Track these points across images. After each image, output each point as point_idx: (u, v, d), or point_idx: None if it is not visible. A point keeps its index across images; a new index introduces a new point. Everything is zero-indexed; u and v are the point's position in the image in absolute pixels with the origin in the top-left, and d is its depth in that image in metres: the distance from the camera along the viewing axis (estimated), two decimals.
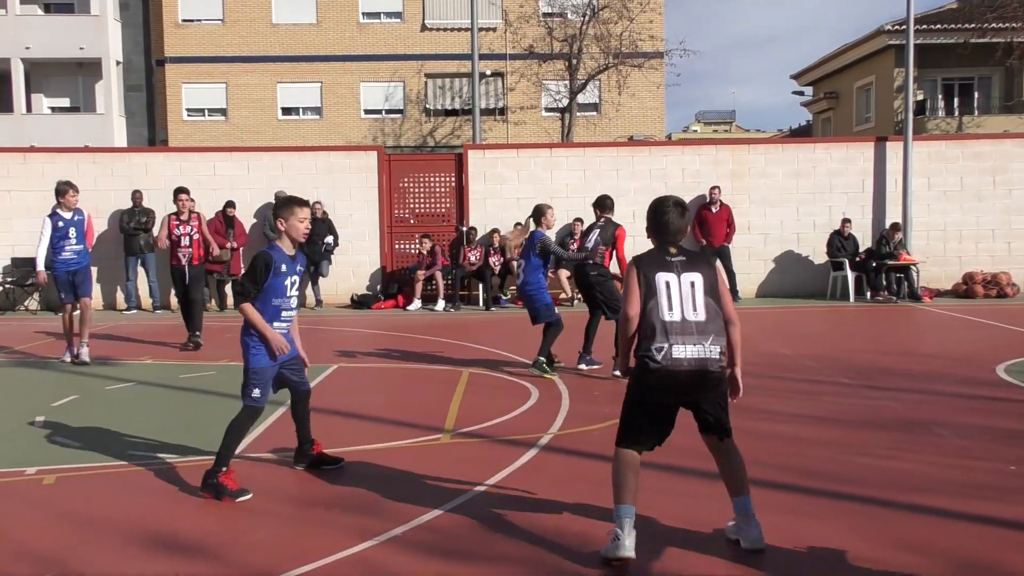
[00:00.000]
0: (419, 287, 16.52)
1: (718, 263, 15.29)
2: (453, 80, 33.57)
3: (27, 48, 32.41)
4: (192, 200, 11.76)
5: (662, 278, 4.61)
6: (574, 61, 29.75)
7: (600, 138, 31.19)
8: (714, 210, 17.06)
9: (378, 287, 17.12)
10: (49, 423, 7.59)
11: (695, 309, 4.58)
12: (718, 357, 4.57)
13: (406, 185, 17.41)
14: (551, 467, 6.08)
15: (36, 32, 32.58)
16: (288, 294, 5.68)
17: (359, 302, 16.71)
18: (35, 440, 7.02)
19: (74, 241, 10.69)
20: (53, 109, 34.33)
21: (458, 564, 4.44)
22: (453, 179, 17.46)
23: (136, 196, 16.39)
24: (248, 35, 32.94)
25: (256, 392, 5.61)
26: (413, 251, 17.16)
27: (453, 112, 33.74)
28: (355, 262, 17.16)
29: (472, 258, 16.71)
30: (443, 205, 17.53)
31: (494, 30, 32.59)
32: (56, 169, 16.91)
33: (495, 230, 16.80)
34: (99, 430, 7.28)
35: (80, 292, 10.71)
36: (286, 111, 33.43)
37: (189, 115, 33.26)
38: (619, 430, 4.72)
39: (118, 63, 33.40)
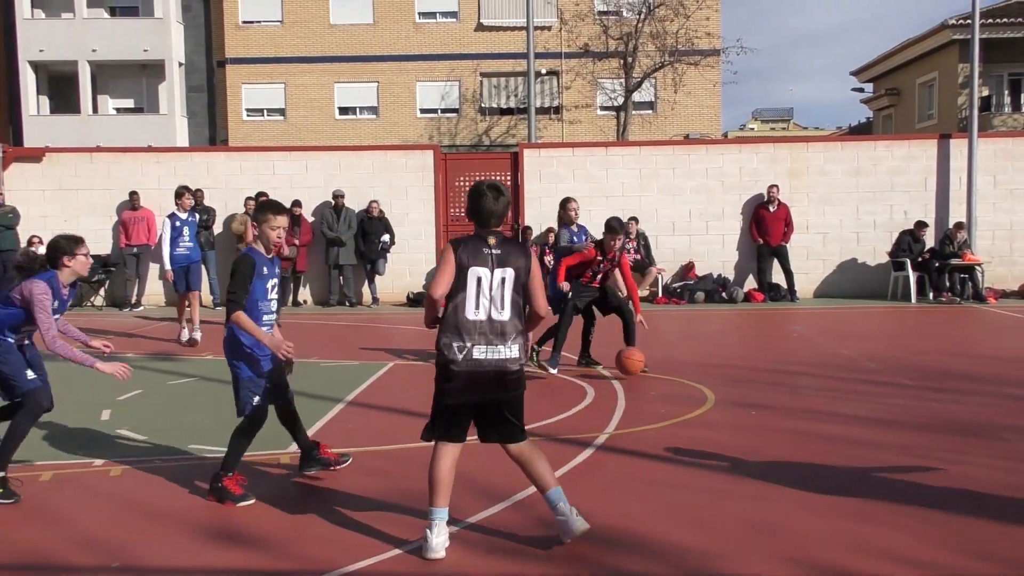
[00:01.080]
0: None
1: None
2: (508, 79, 33.62)
3: (93, 51, 33.18)
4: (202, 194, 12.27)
5: (475, 272, 4.49)
6: (629, 59, 29.61)
7: (655, 136, 31.00)
8: (772, 209, 16.86)
9: None
10: (115, 417, 7.78)
11: (501, 308, 4.50)
12: (518, 356, 4.52)
13: (461, 184, 17.49)
14: (606, 467, 6.07)
15: (102, 35, 33.34)
16: (268, 297, 5.53)
17: (415, 300, 16.83)
18: (102, 433, 7.20)
19: (188, 239, 11.89)
20: (118, 110, 35.11)
21: (511, 562, 4.45)
22: (508, 178, 17.50)
23: (198, 195, 16.67)
24: (306, 36, 33.34)
25: (257, 399, 5.52)
26: None
27: (508, 111, 33.79)
28: (411, 260, 17.28)
29: None
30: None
31: (549, 29, 32.57)
32: (121, 169, 17.31)
33: (550, 229, 16.80)
34: (163, 424, 7.44)
35: (191, 285, 11.92)
36: (343, 111, 33.77)
37: (248, 115, 33.77)
38: (426, 426, 4.66)
39: (180, 64, 34.03)
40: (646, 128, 32.15)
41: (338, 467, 5.92)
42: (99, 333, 13.20)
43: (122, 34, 33.40)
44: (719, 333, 13.10)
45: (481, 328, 4.47)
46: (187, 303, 12.04)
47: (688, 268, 17.20)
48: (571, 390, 8.68)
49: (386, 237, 16.71)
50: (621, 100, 30.20)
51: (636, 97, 30.85)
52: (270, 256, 5.54)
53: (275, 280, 5.59)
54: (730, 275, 17.31)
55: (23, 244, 16.53)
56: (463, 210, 17.49)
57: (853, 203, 17.41)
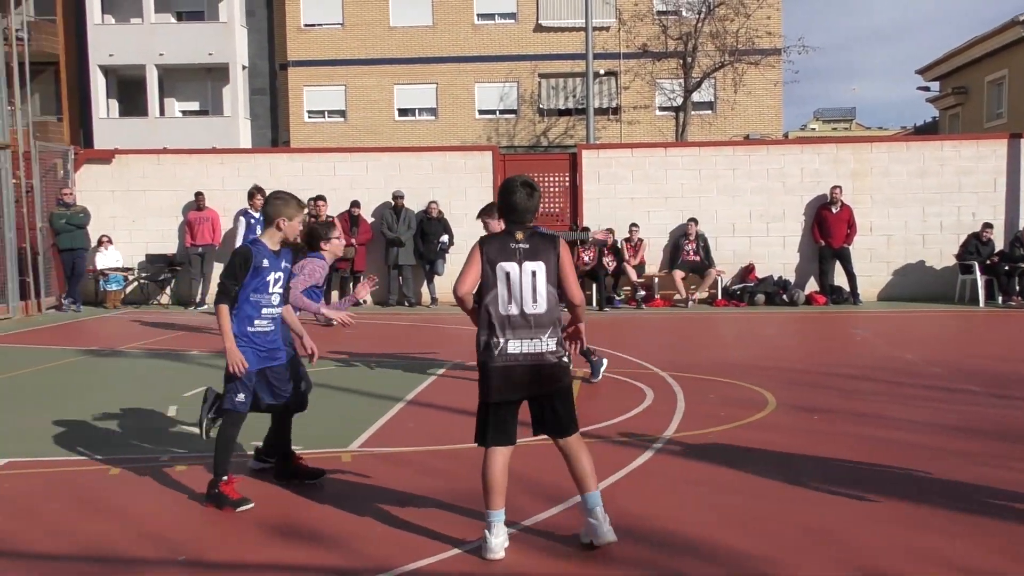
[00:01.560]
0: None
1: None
2: (567, 80, 33.60)
3: (161, 55, 33.93)
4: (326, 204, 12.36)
5: (503, 268, 4.48)
6: (689, 59, 29.39)
7: (715, 137, 30.72)
8: (834, 210, 16.60)
9: None
10: (181, 412, 7.95)
11: (535, 301, 4.48)
12: (555, 349, 4.51)
13: None
14: (666, 470, 6.05)
15: (169, 39, 34.07)
16: (269, 291, 5.44)
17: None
18: (168, 429, 7.37)
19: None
20: (184, 112, 35.85)
21: (569, 563, 4.46)
22: (567, 179, 17.49)
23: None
24: (366, 38, 33.70)
25: (240, 396, 5.40)
26: None
27: (566, 112, 33.77)
28: None
29: (585, 258, 16.70)
30: (557, 205, 17.57)
31: (608, 29, 32.48)
32: (187, 170, 17.67)
33: (609, 230, 16.76)
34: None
35: None
36: (402, 112, 34.06)
37: (310, 117, 34.24)
38: (476, 430, 4.64)
39: (244, 68, 34.64)
40: (705, 128, 31.88)
41: (312, 483, 5.77)
42: (167, 329, 13.51)
43: (188, 38, 34.10)
44: (779, 336, 12.94)
45: (514, 322, 4.47)
46: None
47: (748, 270, 17.02)
48: (630, 392, 8.65)
49: (445, 237, 16.82)
50: (680, 100, 29.99)
51: (695, 97, 30.61)
52: (275, 250, 5.46)
53: (280, 274, 5.48)
54: (791, 277, 17.09)
55: (93, 244, 17.00)
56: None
57: (919, 204, 17.07)
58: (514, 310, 4.48)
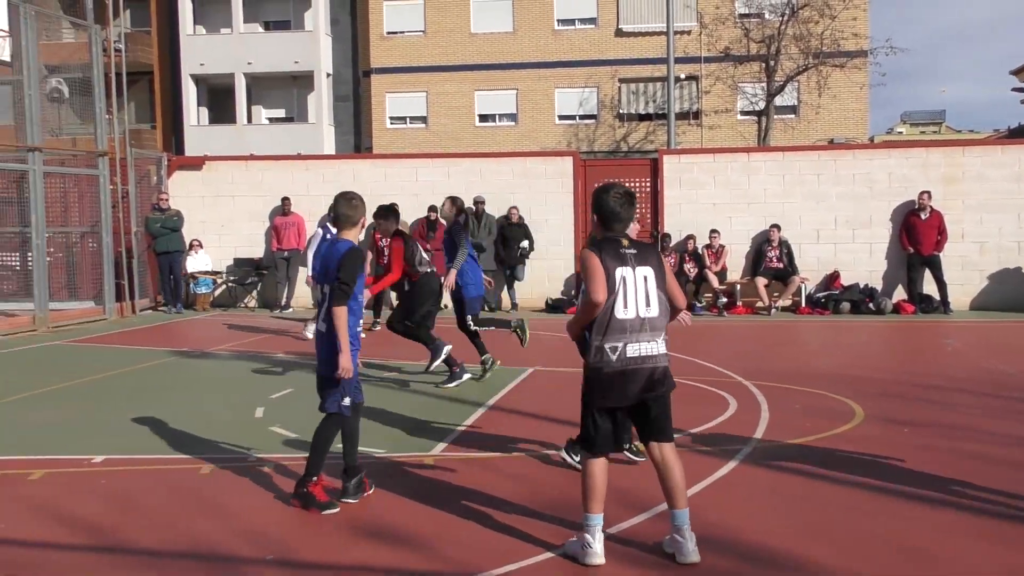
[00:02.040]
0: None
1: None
2: (647, 84, 33.42)
3: (249, 63, 34.80)
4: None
5: (619, 273, 4.54)
6: (772, 62, 28.95)
7: (798, 141, 30.17)
8: (923, 217, 16.15)
9: (572, 292, 17.27)
10: (268, 414, 8.14)
11: (648, 305, 4.58)
12: (665, 352, 4.64)
13: None
14: (750, 480, 5.97)
15: (257, 48, 34.93)
16: (361, 291, 5.60)
17: (554, 306, 16.91)
18: (256, 430, 7.55)
19: None
20: (270, 119, 36.69)
21: (657, 572, 4.44)
22: (648, 184, 17.39)
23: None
24: (447, 45, 34.04)
25: (347, 400, 5.52)
26: None
27: (647, 117, 33.58)
28: (550, 267, 17.38)
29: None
30: (638, 210, 17.45)
31: (689, 33, 32.20)
32: (274, 176, 18.08)
33: (690, 236, 16.61)
34: (312, 422, 7.71)
35: None
36: (483, 118, 34.28)
37: (392, 123, 34.71)
38: (580, 438, 4.69)
39: (328, 75, 35.29)
40: (788, 133, 31.36)
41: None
42: (253, 332, 13.83)
43: (275, 47, 34.90)
44: (866, 345, 12.65)
45: (632, 326, 4.54)
46: None
47: (833, 277, 16.67)
48: (713, 400, 8.56)
49: (525, 243, 16.87)
50: (762, 104, 29.56)
51: (778, 101, 30.13)
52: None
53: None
54: (878, 285, 16.68)
55: (187, 246, 17.51)
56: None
57: (1014, 211, 16.49)
58: (631, 314, 4.55)
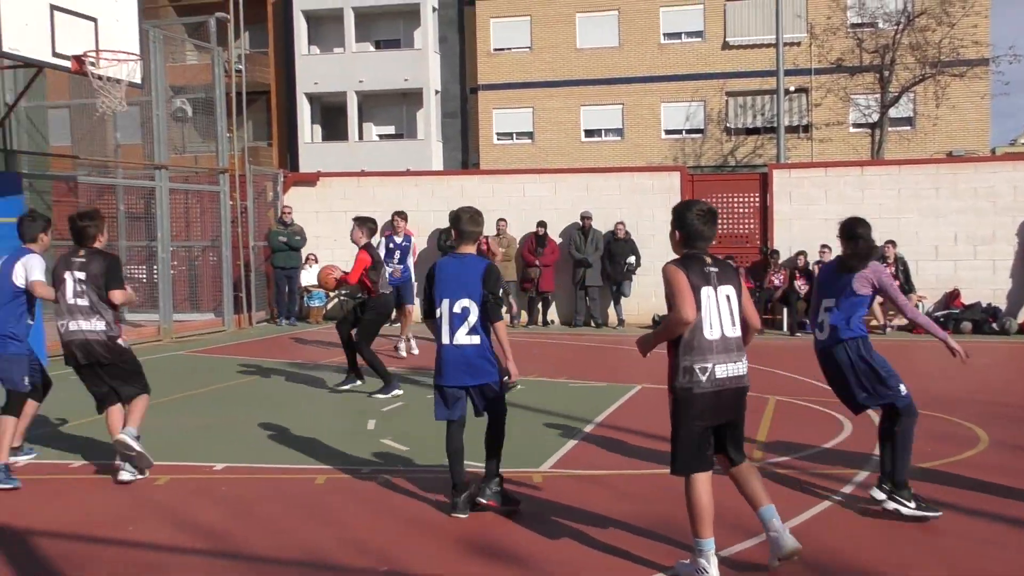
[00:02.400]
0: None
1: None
2: (755, 98, 32.89)
3: (360, 82, 35.67)
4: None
5: (705, 292, 4.53)
6: (886, 73, 28.13)
7: (914, 154, 29.19)
8: None
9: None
10: (379, 426, 8.31)
11: (733, 324, 4.56)
12: (747, 372, 4.62)
13: None
14: (867, 506, 5.80)
15: (368, 67, 35.79)
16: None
17: (661, 323, 16.77)
18: (368, 442, 7.71)
19: (397, 261, 12.65)
20: (380, 136, 37.50)
21: None
22: (756, 199, 17.10)
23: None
24: (554, 61, 34.21)
25: (436, 405, 5.84)
26: None
27: (755, 130, 33.04)
28: (657, 282, 16.99)
29: (776, 281, 16.27)
30: (746, 226, 17.21)
31: (798, 44, 31.56)
32: (385, 191, 18.46)
33: (801, 252, 16.25)
34: (422, 435, 7.85)
35: (404, 300, 12.55)
36: (589, 133, 34.30)
37: (498, 139, 35.05)
38: (674, 459, 4.62)
39: (437, 92, 35.88)
40: (904, 145, 30.37)
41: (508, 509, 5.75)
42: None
43: (385, 66, 35.69)
44: (989, 368, 12.13)
45: (718, 346, 4.51)
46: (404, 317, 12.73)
47: (952, 296, 16.06)
48: (826, 421, 8.35)
49: (632, 259, 16.79)
50: (876, 116, 28.72)
51: (893, 113, 29.22)
52: None
53: None
54: (1001, 304, 15.98)
55: (303, 262, 18.01)
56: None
57: None
58: (717, 334, 4.52)
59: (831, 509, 5.74)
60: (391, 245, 12.72)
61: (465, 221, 5.74)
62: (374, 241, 10.57)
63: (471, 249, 5.77)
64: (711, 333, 4.51)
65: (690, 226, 4.69)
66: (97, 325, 6.57)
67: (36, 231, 7.02)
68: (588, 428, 8.18)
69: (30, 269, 6.80)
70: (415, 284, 11.97)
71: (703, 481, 4.55)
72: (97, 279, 6.58)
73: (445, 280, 5.63)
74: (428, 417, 8.72)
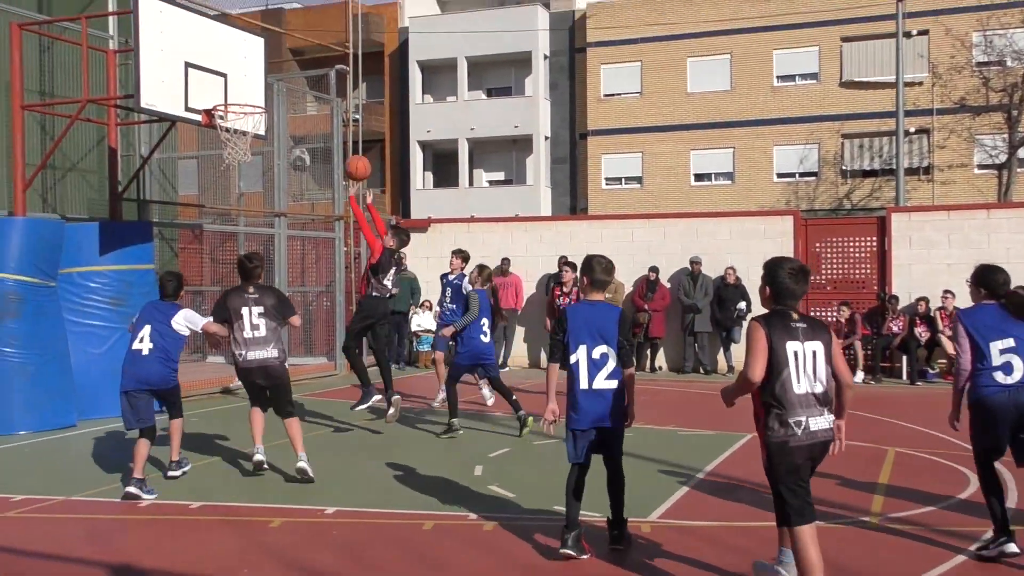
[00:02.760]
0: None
1: None
2: (872, 139, 32.09)
3: (472, 129, 36.37)
4: (574, 274, 12.45)
5: (790, 348, 4.64)
6: (1014, 112, 27.09)
7: None
8: None
9: None
10: (487, 472, 8.33)
11: (818, 379, 4.67)
12: (833, 426, 4.75)
13: (819, 249, 16.88)
14: (996, 570, 5.50)
15: (479, 114, 36.48)
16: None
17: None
18: (476, 488, 7.73)
19: (448, 300, 12.18)
20: (490, 182, 38.05)
21: None
22: (874, 243, 16.61)
23: (562, 261, 17.54)
24: (663, 105, 34.18)
25: (570, 447, 5.88)
26: (830, 318, 16.52)
27: (872, 173, 32.19)
28: None
29: (895, 328, 15.71)
30: (862, 271, 16.71)
31: (920, 84, 30.72)
32: (494, 237, 18.68)
33: (922, 298, 15.67)
34: (530, 482, 7.84)
35: (437, 346, 12.55)
36: (698, 177, 34.05)
37: (607, 184, 35.11)
38: (783, 513, 4.74)
39: (546, 138, 36.26)
40: None
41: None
42: (470, 390, 14.20)
43: (496, 113, 36.31)
44: None
45: (808, 401, 4.66)
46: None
47: None
48: (950, 476, 7.98)
49: (742, 304, 16.48)
50: (1004, 157, 27.64)
51: (1022, 153, 28.07)
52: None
53: None
54: None
55: (416, 307, 18.32)
56: (822, 277, 16.86)
57: None
58: (803, 389, 4.67)
59: (958, 568, 5.46)
60: (444, 282, 12.44)
61: (599, 271, 5.91)
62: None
63: (601, 296, 5.94)
64: (798, 387, 4.65)
65: (781, 283, 4.79)
66: (273, 352, 7.97)
67: (179, 290, 8.23)
68: (698, 477, 8.03)
69: (192, 319, 8.03)
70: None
71: (809, 534, 4.63)
72: (273, 311, 7.99)
73: (580, 326, 5.78)
74: (534, 463, 8.75)
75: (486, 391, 11.96)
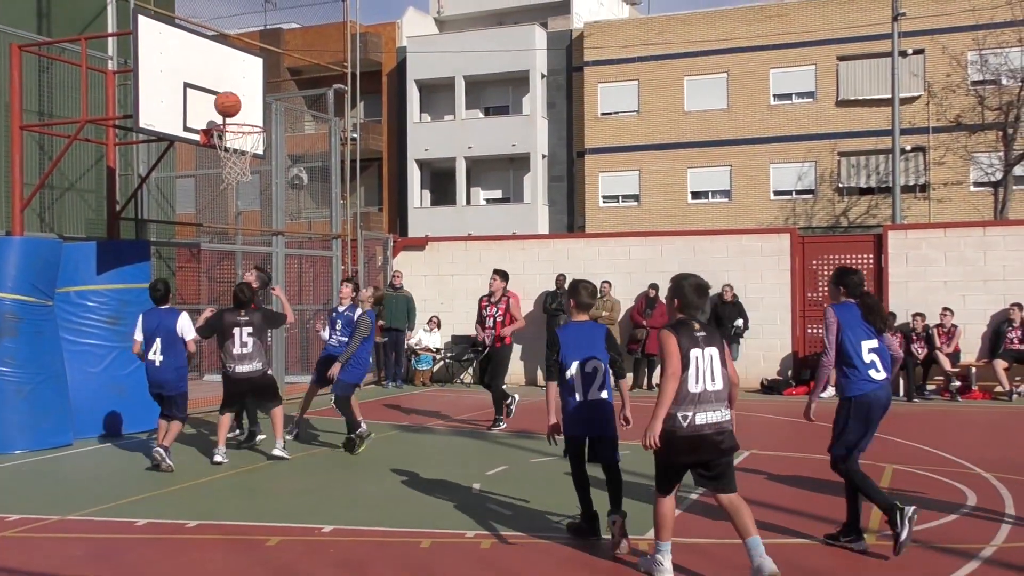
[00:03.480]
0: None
1: None
2: (869, 157, 32.21)
3: (469, 148, 36.48)
4: (503, 282, 12.07)
5: (692, 353, 5.43)
6: (1010, 130, 27.21)
7: None
8: None
9: (789, 372, 16.69)
10: (485, 490, 8.32)
11: (714, 380, 5.47)
12: (730, 419, 5.53)
13: (816, 266, 16.92)
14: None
15: (477, 133, 36.61)
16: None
17: (769, 387, 16.40)
18: (474, 506, 7.72)
19: (339, 331, 11.36)
20: (487, 200, 38.13)
21: None
22: (871, 261, 16.65)
23: (559, 279, 17.58)
24: (660, 124, 34.30)
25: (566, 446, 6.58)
26: None
27: (868, 191, 32.29)
28: (766, 346, 16.90)
29: (892, 345, 15.69)
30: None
31: (916, 102, 30.86)
32: (491, 255, 18.70)
33: (918, 314, 15.69)
34: (525, 501, 7.83)
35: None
36: (695, 195, 34.13)
37: (604, 202, 35.19)
38: (655, 483, 5.68)
39: (544, 156, 36.37)
40: None
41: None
42: (470, 408, 14.19)
43: (494, 131, 36.44)
44: None
45: (704, 398, 5.47)
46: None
47: None
48: (947, 492, 7.98)
49: (740, 322, 16.51)
50: (999, 175, 27.74)
51: (1018, 171, 28.17)
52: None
53: None
54: None
55: (423, 324, 18.29)
56: (819, 294, 16.89)
57: None
58: (700, 388, 5.44)
59: None
60: (334, 315, 11.36)
61: (584, 295, 6.62)
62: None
63: (586, 317, 6.63)
64: (695, 387, 5.43)
65: (686, 297, 5.62)
66: (258, 365, 9.48)
67: (169, 293, 9.51)
68: (695, 495, 8.02)
69: (187, 327, 9.28)
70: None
71: (671, 499, 5.67)
72: (261, 328, 9.43)
73: (572, 345, 6.44)
74: (531, 480, 8.73)
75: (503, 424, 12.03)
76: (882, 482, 8.49)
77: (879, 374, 6.22)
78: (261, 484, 8.77)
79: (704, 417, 5.41)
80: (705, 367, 5.42)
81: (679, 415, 5.39)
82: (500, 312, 11.93)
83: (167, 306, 9.43)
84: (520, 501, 7.78)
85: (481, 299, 12.33)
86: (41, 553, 6.50)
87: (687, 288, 5.62)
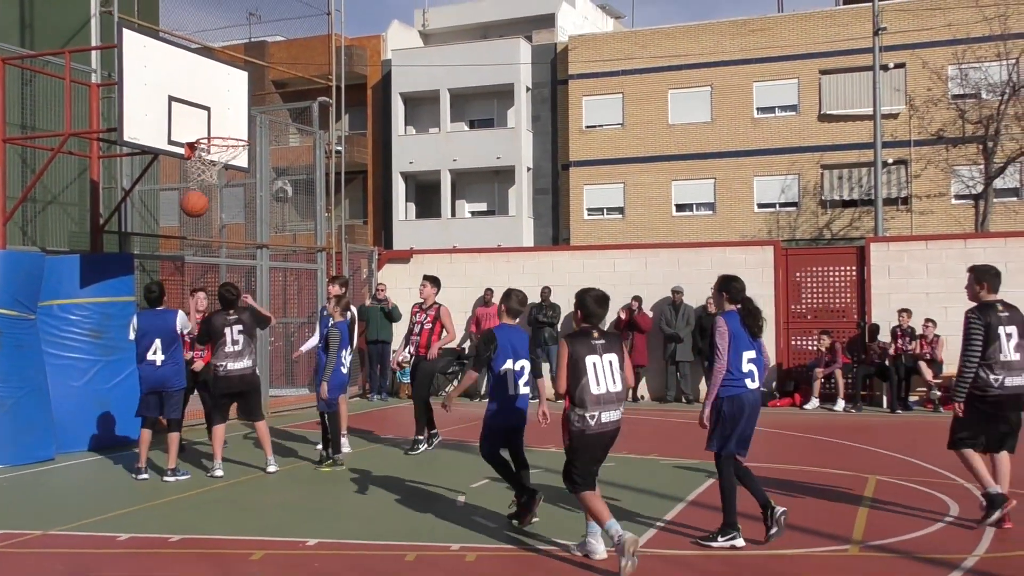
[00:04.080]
0: (817, 385, 15.91)
1: None
2: (852, 170, 32.43)
3: (454, 160, 36.52)
4: (434, 288, 11.36)
5: (590, 360, 6.07)
6: (990, 144, 27.47)
7: (1021, 226, 28.31)
8: None
9: (774, 384, 16.75)
10: (469, 502, 8.31)
11: (615, 382, 6.13)
12: (621, 417, 6.25)
13: (800, 279, 17.01)
14: None
15: (462, 146, 36.65)
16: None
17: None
18: (458, 518, 7.72)
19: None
20: (472, 213, 38.15)
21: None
22: (854, 272, 16.75)
23: (544, 292, 17.61)
24: (645, 137, 34.44)
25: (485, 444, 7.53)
26: (811, 347, 16.61)
27: (851, 203, 32.50)
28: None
29: (875, 356, 15.81)
30: (842, 300, 16.85)
31: (897, 116, 31.13)
32: (476, 267, 18.74)
33: (904, 310, 15.77)
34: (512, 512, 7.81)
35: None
36: (680, 207, 34.25)
37: (589, 214, 35.27)
38: (572, 482, 6.21)
39: (528, 169, 36.44)
40: (1011, 217, 29.43)
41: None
42: (454, 420, 14.17)
43: (479, 144, 36.49)
44: None
45: (606, 399, 6.11)
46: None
47: None
48: (930, 503, 8.03)
49: None
50: (980, 188, 27.99)
51: (998, 184, 28.43)
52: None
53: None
54: None
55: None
56: (802, 306, 16.99)
57: None
58: (602, 390, 6.05)
59: None
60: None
61: (514, 302, 7.37)
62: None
63: (514, 322, 7.49)
64: (597, 389, 6.03)
65: (588, 307, 6.24)
66: (248, 362, 9.68)
67: (163, 295, 9.75)
68: (679, 507, 8.04)
69: (184, 322, 9.73)
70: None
71: (596, 494, 6.20)
72: (249, 324, 9.66)
73: (506, 345, 7.25)
74: (514, 493, 8.71)
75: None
76: (865, 492, 8.54)
77: (753, 383, 6.69)
78: (245, 497, 8.73)
79: (608, 416, 6.10)
80: (604, 371, 6.06)
81: (587, 415, 6.03)
82: (429, 319, 11.41)
83: (162, 307, 9.63)
84: (505, 514, 7.77)
85: (413, 306, 11.81)
86: (22, 569, 6.46)
87: (588, 300, 6.24)
